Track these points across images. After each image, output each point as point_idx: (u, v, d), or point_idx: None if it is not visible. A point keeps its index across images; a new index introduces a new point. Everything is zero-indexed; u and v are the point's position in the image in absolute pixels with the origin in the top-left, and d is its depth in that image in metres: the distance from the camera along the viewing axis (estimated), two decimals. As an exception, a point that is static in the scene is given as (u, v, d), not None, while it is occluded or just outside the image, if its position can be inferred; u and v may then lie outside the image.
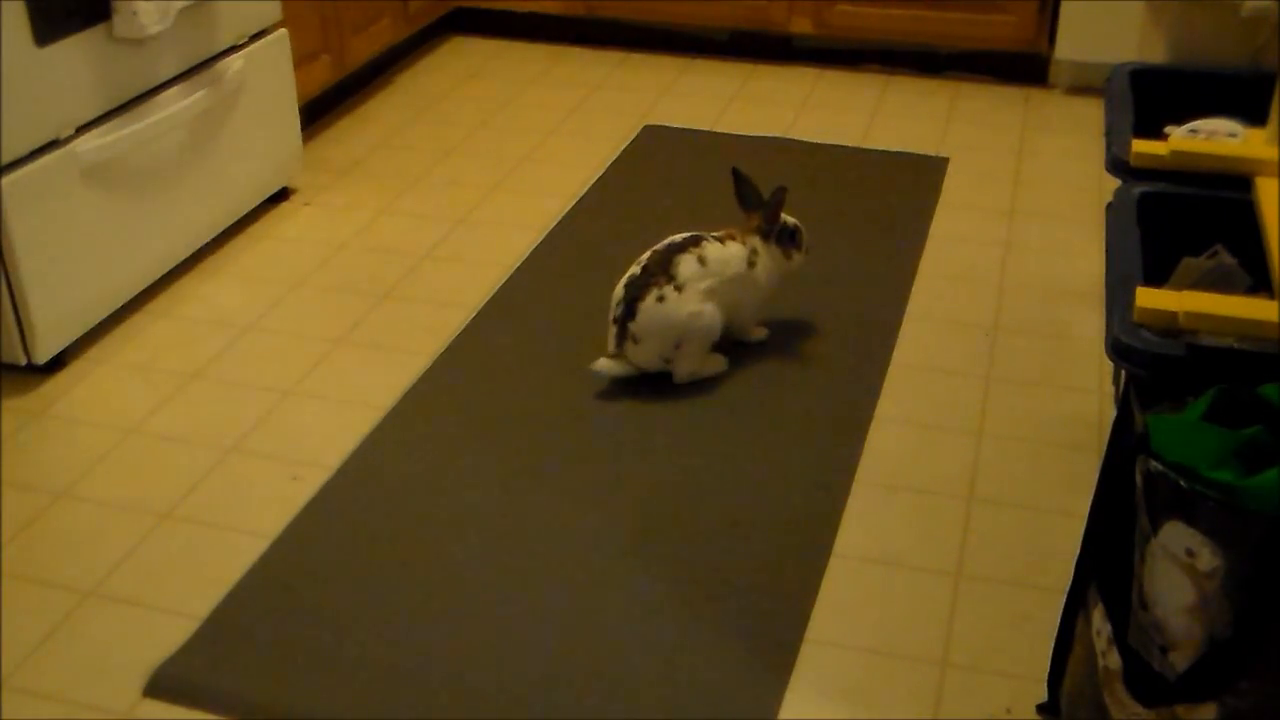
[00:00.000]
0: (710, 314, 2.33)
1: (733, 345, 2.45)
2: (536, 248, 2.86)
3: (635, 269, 2.35)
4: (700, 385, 2.37)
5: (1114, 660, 1.39)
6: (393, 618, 1.85)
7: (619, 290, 2.35)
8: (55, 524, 2.06)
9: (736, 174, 2.46)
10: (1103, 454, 1.55)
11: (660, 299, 2.30)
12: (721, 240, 2.39)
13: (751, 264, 2.39)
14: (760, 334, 2.50)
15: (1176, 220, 1.84)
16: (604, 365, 2.35)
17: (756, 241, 2.42)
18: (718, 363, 2.41)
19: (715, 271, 2.34)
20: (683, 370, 2.36)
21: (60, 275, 2.39)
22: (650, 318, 2.30)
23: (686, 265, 2.32)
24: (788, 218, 2.46)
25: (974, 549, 1.99)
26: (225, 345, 2.53)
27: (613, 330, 2.35)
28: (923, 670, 1.77)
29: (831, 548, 1.99)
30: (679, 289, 2.30)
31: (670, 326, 2.30)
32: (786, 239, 2.45)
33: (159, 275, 2.69)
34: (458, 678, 1.75)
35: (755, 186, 2.45)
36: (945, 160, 3.27)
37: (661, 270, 2.32)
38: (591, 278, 2.72)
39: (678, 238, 2.37)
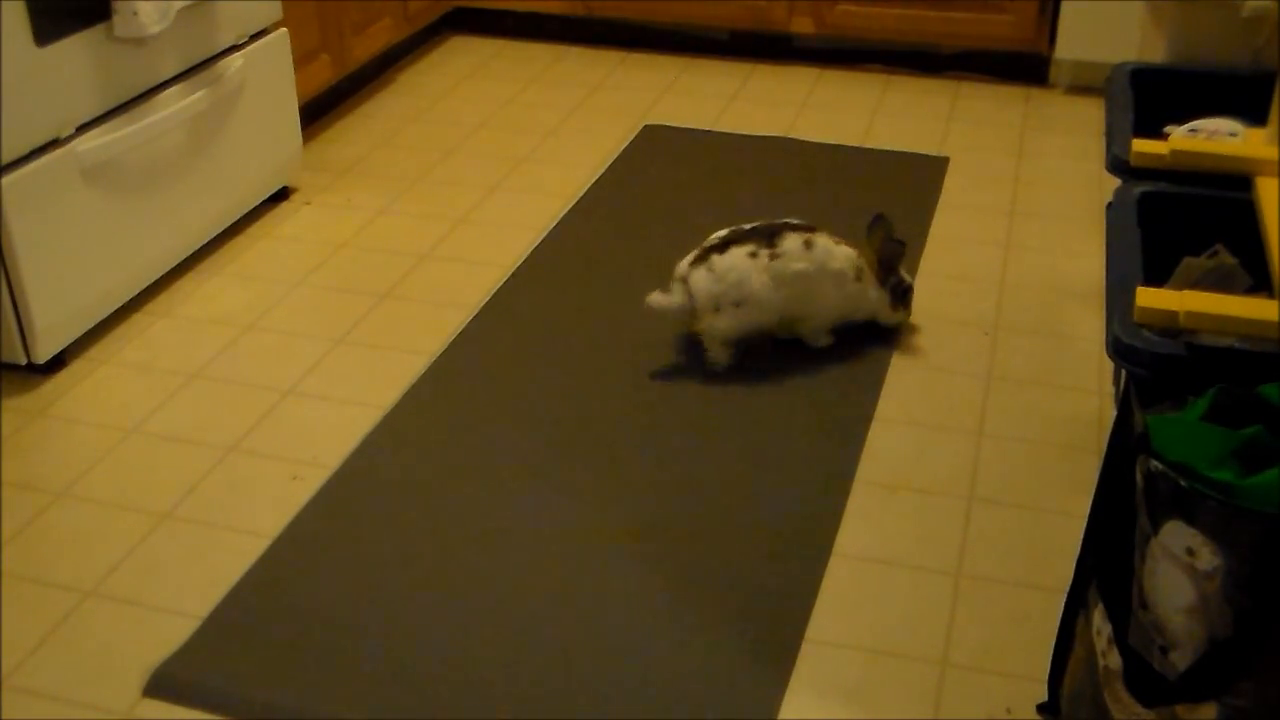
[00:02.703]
0: (777, 302, 2.35)
1: (776, 344, 2.46)
2: (536, 248, 2.86)
3: (745, 226, 2.40)
4: (699, 385, 2.36)
5: (1114, 660, 1.39)
6: (393, 617, 1.85)
7: (724, 231, 2.40)
8: (55, 524, 2.06)
9: (877, 219, 2.49)
10: (1103, 454, 1.55)
11: (753, 255, 2.34)
12: (838, 241, 2.43)
13: (858, 276, 2.42)
14: (826, 341, 2.49)
15: (1176, 220, 1.84)
16: (656, 299, 2.39)
17: (870, 277, 2.45)
18: (726, 355, 2.41)
19: (817, 259, 2.37)
20: (718, 326, 2.37)
21: (60, 275, 2.39)
22: (733, 264, 2.34)
23: (791, 241, 2.36)
24: (906, 277, 2.50)
25: (974, 549, 1.99)
26: (225, 345, 2.53)
27: (696, 252, 2.38)
28: (923, 670, 1.77)
29: (831, 547, 1.99)
30: (774, 258, 2.34)
31: (742, 282, 2.33)
32: (901, 294, 2.49)
33: (159, 275, 2.69)
34: (457, 677, 1.75)
35: (888, 235, 2.46)
36: (945, 160, 3.27)
37: (766, 236, 2.36)
38: (591, 278, 2.72)
39: (793, 220, 2.42)
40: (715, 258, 2.35)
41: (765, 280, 2.34)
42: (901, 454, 2.20)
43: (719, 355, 2.41)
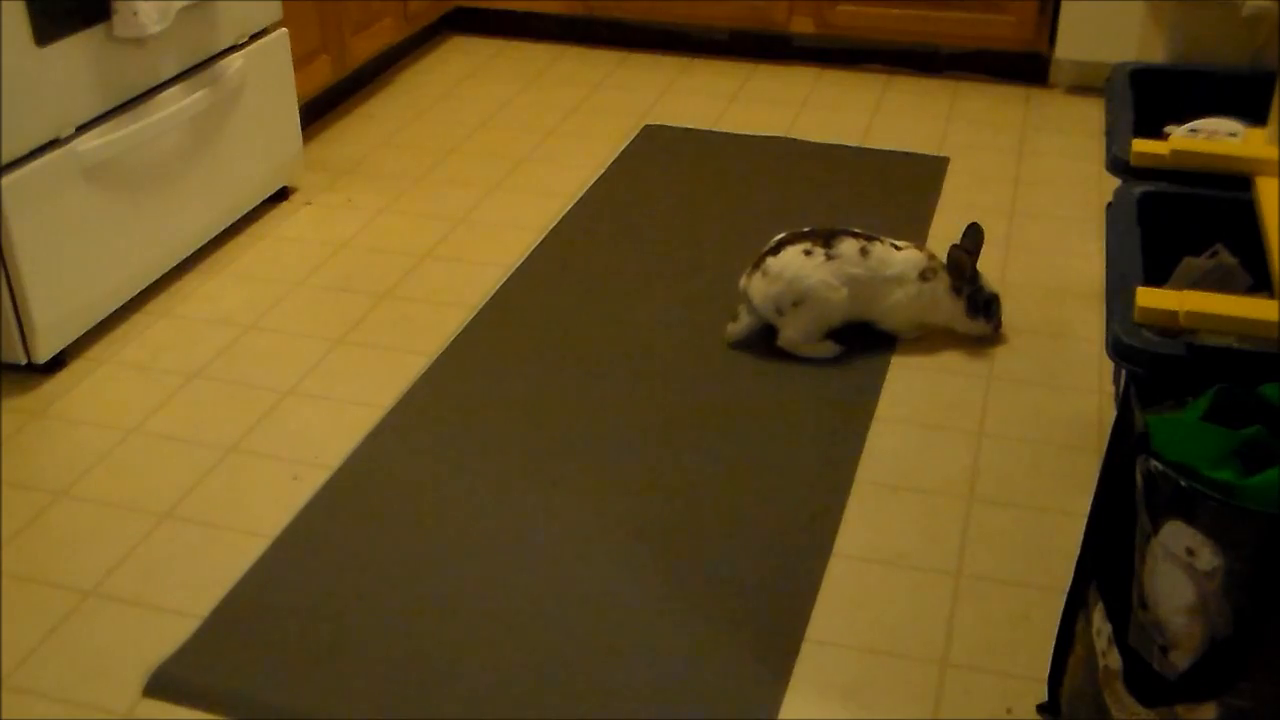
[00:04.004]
0: (840, 298, 2.37)
1: (848, 334, 2.47)
2: (536, 248, 2.86)
3: (802, 229, 2.41)
4: (699, 385, 2.36)
5: (1114, 660, 1.39)
6: (393, 617, 1.85)
7: (780, 234, 2.43)
8: (55, 524, 2.06)
9: (969, 230, 2.47)
10: (1103, 454, 1.55)
11: (807, 253, 2.36)
12: (899, 247, 2.43)
13: (926, 278, 2.41)
14: (914, 334, 2.50)
15: (1176, 220, 1.85)
16: (729, 331, 2.45)
17: (944, 280, 2.43)
18: (826, 349, 2.43)
19: (872, 267, 2.39)
20: (788, 335, 2.40)
21: (60, 275, 2.39)
22: (788, 262, 2.36)
23: (848, 245, 2.38)
24: (989, 287, 2.46)
25: (974, 549, 1.99)
26: (225, 345, 2.53)
27: (752, 263, 2.41)
28: (923, 670, 1.77)
29: (832, 547, 1.99)
30: (830, 258, 2.36)
31: (797, 280, 2.35)
32: (981, 305, 2.45)
33: (159, 275, 2.69)
34: (457, 677, 1.75)
35: (960, 244, 2.44)
36: (945, 160, 3.27)
37: (822, 238, 2.39)
38: (591, 277, 2.72)
39: (854, 228, 2.44)
40: (769, 260, 2.38)
41: (824, 277, 2.35)
42: (901, 454, 2.20)
43: (816, 351, 2.42)
